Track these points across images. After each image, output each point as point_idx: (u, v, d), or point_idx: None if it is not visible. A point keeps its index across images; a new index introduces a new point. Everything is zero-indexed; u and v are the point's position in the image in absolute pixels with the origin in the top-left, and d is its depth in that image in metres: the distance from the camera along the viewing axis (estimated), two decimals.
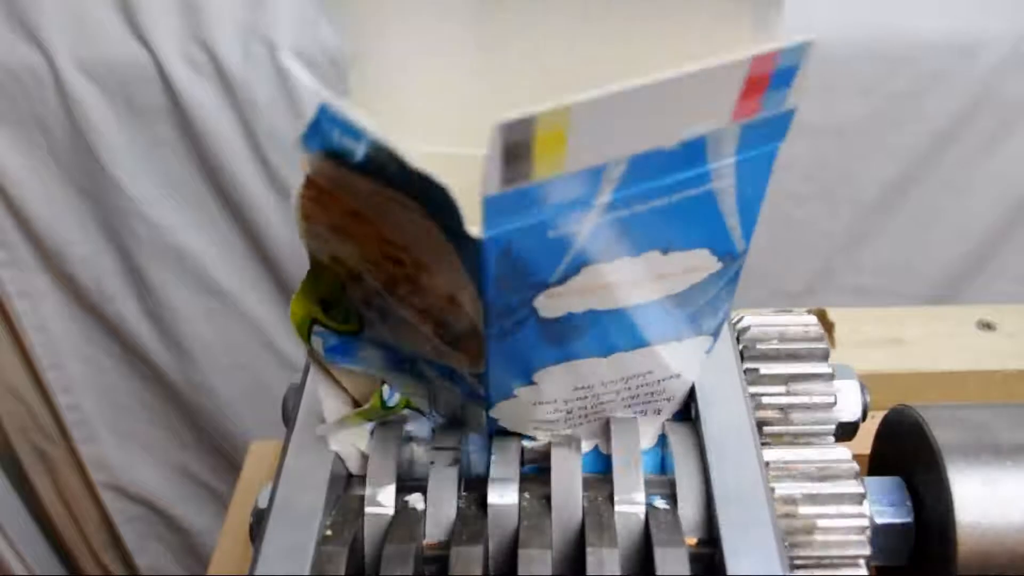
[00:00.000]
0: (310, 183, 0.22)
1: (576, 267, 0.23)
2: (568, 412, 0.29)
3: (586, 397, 0.29)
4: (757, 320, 0.33)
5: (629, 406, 0.30)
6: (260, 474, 0.55)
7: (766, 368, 0.32)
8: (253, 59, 0.67)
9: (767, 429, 0.32)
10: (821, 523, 0.29)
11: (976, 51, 0.69)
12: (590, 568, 0.26)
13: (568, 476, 0.29)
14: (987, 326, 0.51)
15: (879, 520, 0.31)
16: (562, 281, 0.24)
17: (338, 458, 0.30)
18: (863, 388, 0.34)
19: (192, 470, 0.90)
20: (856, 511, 0.29)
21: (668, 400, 0.30)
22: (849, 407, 0.33)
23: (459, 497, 0.29)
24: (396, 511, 0.28)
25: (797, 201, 0.75)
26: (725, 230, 0.25)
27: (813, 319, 0.34)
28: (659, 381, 0.29)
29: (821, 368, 0.32)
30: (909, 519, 0.32)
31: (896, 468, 0.33)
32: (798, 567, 0.29)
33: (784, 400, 0.32)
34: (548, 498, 0.28)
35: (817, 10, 0.67)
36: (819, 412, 0.32)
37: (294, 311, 0.27)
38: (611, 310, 0.25)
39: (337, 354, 0.28)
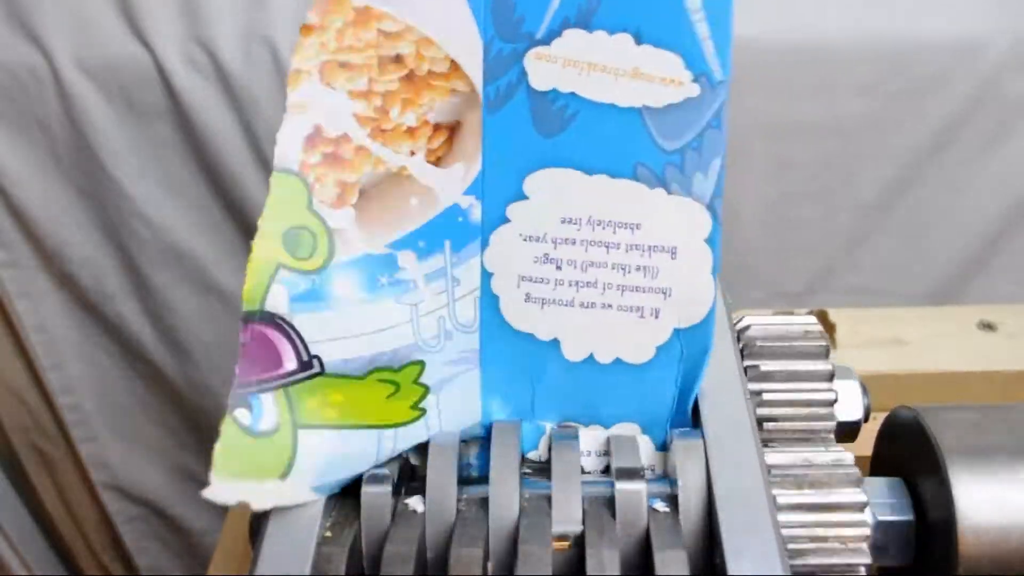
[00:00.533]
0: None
1: (559, 25, 0.27)
2: (558, 267, 0.29)
3: (575, 243, 0.29)
4: (758, 321, 0.33)
5: (622, 291, 0.30)
6: None
7: (767, 370, 0.32)
8: (253, 59, 0.67)
9: (768, 431, 0.32)
10: (822, 524, 0.29)
11: (976, 51, 0.69)
12: (590, 568, 0.26)
13: (567, 477, 0.29)
14: (988, 326, 0.51)
15: (880, 517, 0.31)
16: (548, 40, 0.27)
17: None
18: (864, 389, 0.34)
19: (192, 470, 0.90)
20: (857, 518, 0.29)
21: (664, 295, 0.29)
22: (850, 408, 0.33)
23: (458, 499, 0.29)
24: (395, 513, 0.28)
25: (797, 201, 0.75)
26: (695, 38, 0.27)
27: (814, 320, 0.33)
28: (651, 250, 0.29)
29: (822, 370, 0.32)
30: (910, 517, 0.31)
31: (897, 469, 0.33)
32: (799, 568, 0.29)
33: (785, 402, 0.32)
34: (548, 499, 0.28)
35: (818, 10, 0.67)
36: (820, 414, 0.32)
37: (257, 258, 0.27)
38: (594, 103, 0.28)
39: (306, 300, 0.28)
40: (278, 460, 0.28)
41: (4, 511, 0.85)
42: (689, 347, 0.30)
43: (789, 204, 0.75)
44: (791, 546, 0.28)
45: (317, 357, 0.28)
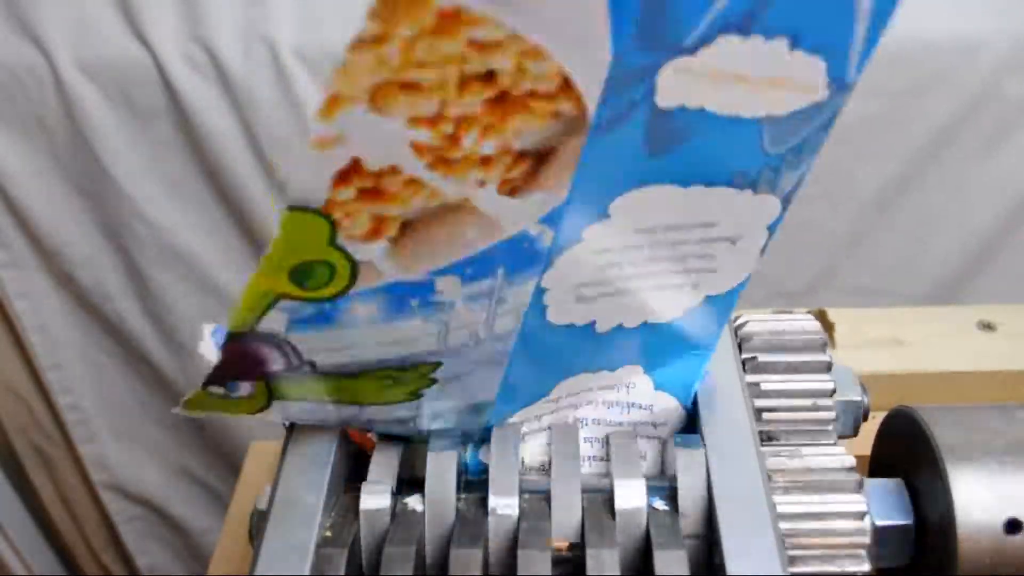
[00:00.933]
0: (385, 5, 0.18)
1: (713, 32, 0.21)
2: (620, 270, 0.27)
3: (641, 247, 0.26)
4: (757, 321, 0.33)
5: (672, 274, 0.27)
6: (260, 474, 0.55)
7: (766, 369, 0.32)
8: (253, 59, 0.67)
9: (767, 430, 0.32)
10: (821, 522, 0.29)
11: (976, 51, 0.69)
12: (590, 568, 0.26)
13: (567, 476, 0.29)
14: (988, 326, 0.51)
15: (879, 522, 0.31)
16: (694, 49, 0.21)
17: (337, 459, 0.30)
18: (864, 389, 0.34)
19: (192, 470, 0.90)
20: (855, 509, 0.29)
21: (712, 272, 0.28)
22: (850, 408, 0.33)
23: (458, 498, 0.29)
24: (395, 513, 0.28)
25: (798, 201, 0.75)
26: (851, 41, 0.22)
27: (813, 320, 0.34)
28: (714, 241, 0.27)
29: (821, 369, 0.32)
30: (909, 521, 0.31)
31: (896, 469, 0.33)
32: (798, 568, 0.29)
33: (784, 401, 0.32)
34: (548, 498, 0.28)
35: None
36: (819, 413, 0.32)
37: (253, 290, 0.23)
38: (717, 116, 0.23)
39: (310, 323, 0.24)
40: (251, 409, 0.28)
41: (4, 511, 0.85)
42: (713, 306, 0.29)
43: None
44: (791, 552, 0.28)
45: (311, 363, 0.26)
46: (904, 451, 0.33)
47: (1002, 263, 0.78)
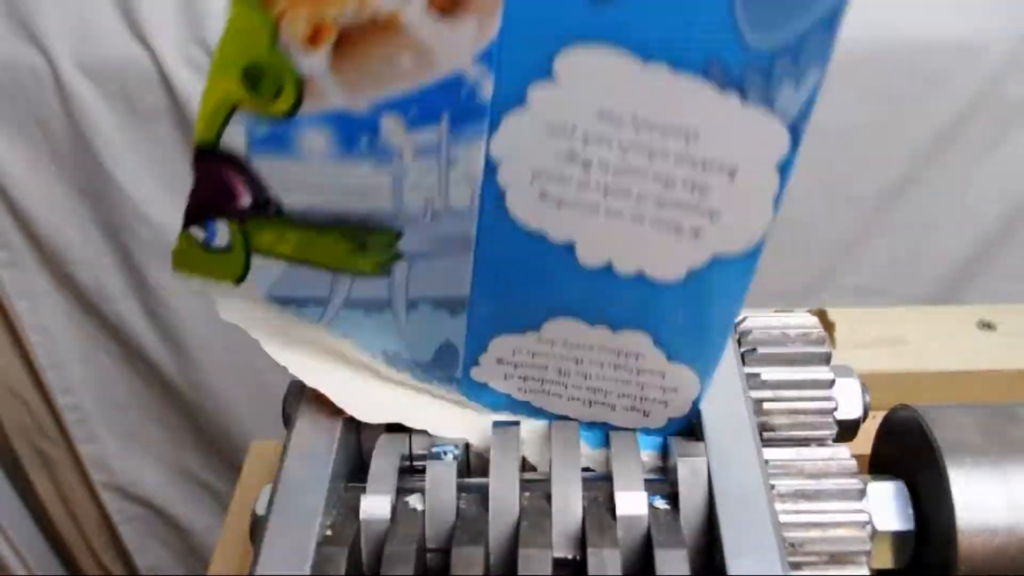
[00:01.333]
0: None
1: None
2: (585, 168, 0.25)
3: (611, 144, 0.24)
4: (758, 320, 0.33)
5: (660, 204, 0.25)
6: (260, 474, 0.55)
7: (766, 368, 0.32)
8: None
9: (767, 429, 0.32)
10: (822, 521, 0.29)
11: (976, 51, 0.69)
12: (591, 569, 0.26)
13: (567, 476, 0.29)
14: (987, 326, 0.51)
15: (881, 528, 0.31)
16: None
17: (337, 458, 0.30)
18: (863, 388, 0.34)
19: (192, 470, 0.90)
20: (856, 508, 0.29)
21: (711, 217, 0.25)
22: (849, 407, 0.33)
23: (459, 497, 0.29)
24: (395, 512, 0.28)
25: (797, 201, 0.75)
26: None
27: (814, 319, 0.34)
28: (706, 165, 0.24)
29: (822, 368, 0.32)
30: (911, 527, 0.31)
31: (896, 468, 0.33)
32: (799, 567, 0.29)
33: (784, 400, 0.32)
34: (548, 498, 0.28)
35: None
36: (819, 412, 0.32)
37: (209, 93, 0.24)
38: None
39: (269, 146, 0.25)
40: (232, 271, 0.28)
41: (4, 511, 0.85)
42: (725, 278, 0.26)
43: (789, 204, 0.74)
44: (791, 538, 0.28)
45: (277, 205, 0.26)
46: (904, 450, 0.33)
47: (1002, 263, 0.78)
